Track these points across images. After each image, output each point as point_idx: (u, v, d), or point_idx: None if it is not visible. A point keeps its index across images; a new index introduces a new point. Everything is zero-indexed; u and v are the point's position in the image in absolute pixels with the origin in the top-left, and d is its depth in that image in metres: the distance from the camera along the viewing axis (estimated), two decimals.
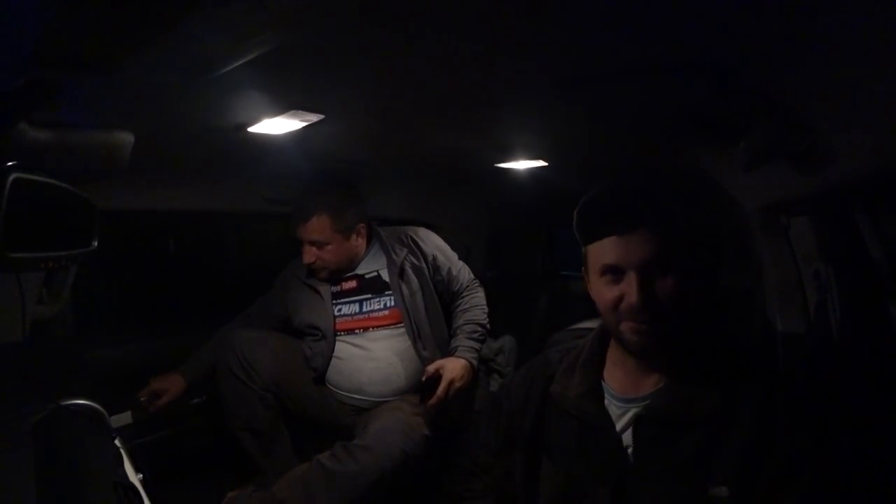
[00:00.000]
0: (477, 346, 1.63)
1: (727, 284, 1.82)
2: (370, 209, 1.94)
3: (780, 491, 0.72)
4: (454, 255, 1.77)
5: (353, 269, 1.66)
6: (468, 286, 1.74)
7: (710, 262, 0.81)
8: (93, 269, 1.58)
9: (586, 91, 0.89)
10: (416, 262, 1.66)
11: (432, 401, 1.47)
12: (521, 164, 1.67)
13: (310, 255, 1.57)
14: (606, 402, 0.85)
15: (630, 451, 0.80)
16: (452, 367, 1.52)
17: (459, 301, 1.72)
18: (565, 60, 0.77)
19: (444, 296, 1.72)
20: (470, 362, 1.56)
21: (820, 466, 0.73)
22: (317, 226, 1.54)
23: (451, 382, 1.49)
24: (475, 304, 1.71)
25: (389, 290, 1.62)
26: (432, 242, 1.74)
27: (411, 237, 1.70)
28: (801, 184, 1.06)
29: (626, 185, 0.80)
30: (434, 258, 1.69)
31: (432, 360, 1.56)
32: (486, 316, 1.71)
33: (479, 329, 1.66)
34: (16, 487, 0.69)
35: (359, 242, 1.64)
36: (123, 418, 1.59)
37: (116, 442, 0.91)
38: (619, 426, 0.82)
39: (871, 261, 1.12)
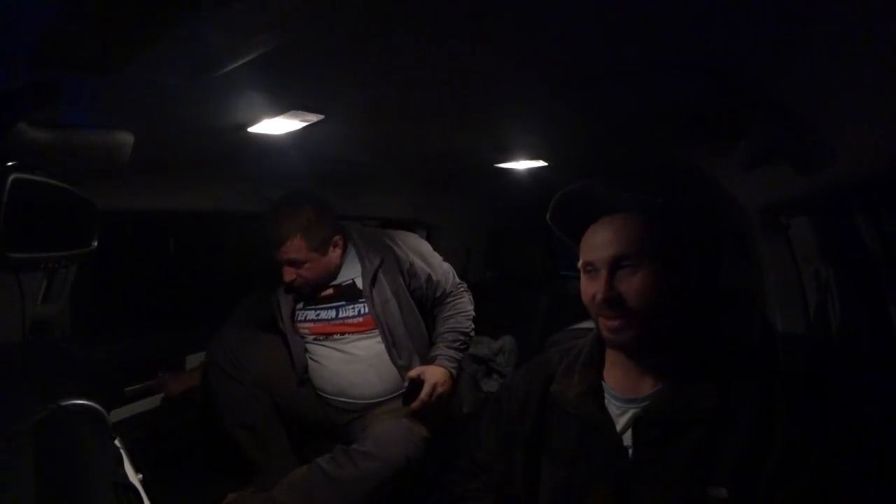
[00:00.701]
0: (457, 355, 1.58)
1: (727, 284, 1.82)
2: (370, 209, 1.94)
3: (779, 492, 0.72)
4: (436, 260, 1.70)
5: (334, 279, 1.62)
6: (452, 292, 1.67)
7: (690, 261, 0.81)
8: (93, 269, 1.58)
9: (586, 91, 0.89)
10: (390, 268, 1.61)
11: (415, 404, 1.45)
12: (521, 164, 1.67)
13: (289, 274, 1.54)
14: (606, 401, 0.86)
15: (630, 451, 0.80)
16: (434, 373, 1.50)
17: (442, 307, 1.67)
18: (565, 61, 0.77)
19: (425, 302, 1.67)
20: (449, 371, 1.53)
21: (819, 467, 0.73)
22: (292, 247, 1.50)
23: (434, 387, 1.47)
24: (458, 311, 1.65)
25: (363, 297, 1.59)
26: (410, 247, 1.67)
27: (387, 242, 1.65)
28: (801, 184, 1.06)
29: (594, 185, 0.83)
30: (411, 265, 1.63)
31: (408, 369, 1.54)
32: (469, 323, 1.65)
33: (461, 338, 1.61)
34: (16, 487, 0.69)
35: (336, 254, 1.60)
36: (123, 412, 1.60)
37: (116, 442, 0.91)
38: (618, 426, 0.83)
39: (871, 261, 1.12)
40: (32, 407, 0.85)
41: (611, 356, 0.88)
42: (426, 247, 1.72)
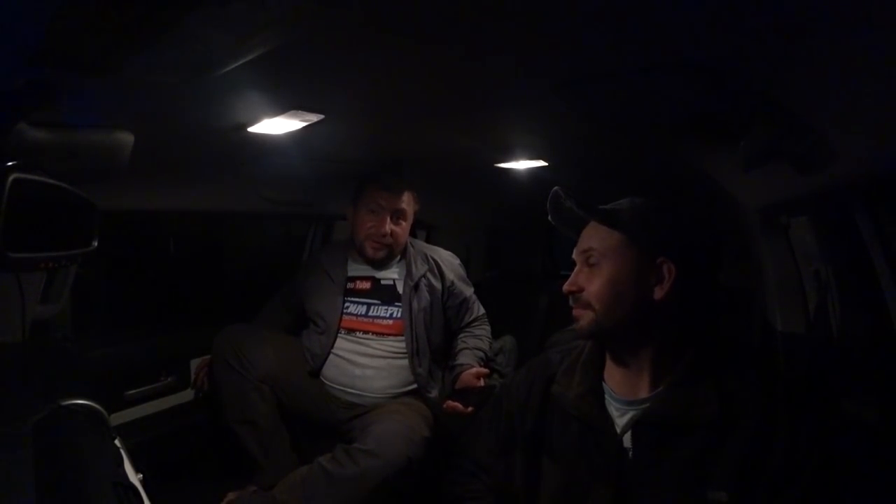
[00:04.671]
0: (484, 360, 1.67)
1: (727, 284, 1.82)
2: None
3: (780, 495, 0.72)
4: (471, 288, 1.79)
5: (394, 259, 1.69)
6: (478, 318, 1.78)
7: (658, 270, 0.82)
8: (93, 269, 1.58)
9: (586, 91, 0.89)
10: (433, 281, 1.68)
11: (466, 411, 1.49)
12: (521, 164, 1.67)
13: (388, 226, 1.61)
14: (606, 402, 0.86)
15: (630, 453, 0.80)
16: (470, 373, 1.57)
17: (469, 330, 1.75)
18: (564, 61, 0.77)
19: (453, 322, 1.74)
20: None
21: (820, 471, 0.73)
22: (408, 199, 1.65)
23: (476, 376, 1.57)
24: (483, 335, 1.75)
25: (399, 301, 1.64)
26: (454, 269, 1.76)
27: (434, 258, 1.73)
28: (801, 184, 1.06)
29: (565, 197, 0.87)
30: (452, 284, 1.71)
31: (425, 377, 1.60)
32: (489, 349, 1.75)
33: (482, 356, 1.69)
34: (16, 487, 0.69)
35: (408, 229, 1.70)
36: (123, 416, 1.60)
37: (116, 442, 0.91)
38: (619, 428, 0.83)
39: (871, 261, 1.12)
40: (32, 407, 0.85)
41: (611, 357, 0.88)
42: (464, 272, 1.81)
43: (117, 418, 1.55)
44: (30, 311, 1.13)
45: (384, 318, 1.64)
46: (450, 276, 1.72)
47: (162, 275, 2.41)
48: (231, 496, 1.47)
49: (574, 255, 0.89)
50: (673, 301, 0.81)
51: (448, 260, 1.78)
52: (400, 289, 1.66)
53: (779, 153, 0.96)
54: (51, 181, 0.74)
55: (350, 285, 1.68)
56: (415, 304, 1.63)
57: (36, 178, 0.72)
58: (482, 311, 1.81)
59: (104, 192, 1.00)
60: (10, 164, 0.69)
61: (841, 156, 0.88)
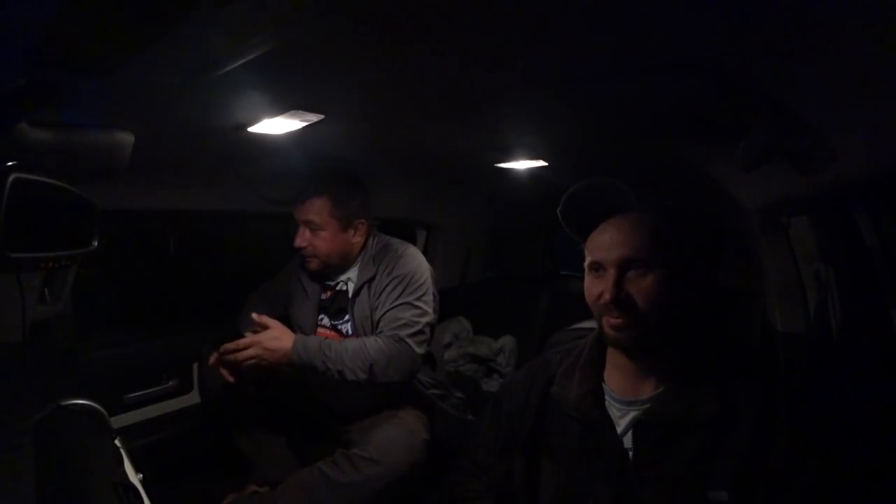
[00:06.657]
0: (319, 357, 1.36)
1: (727, 284, 1.82)
2: (370, 209, 1.92)
3: (781, 495, 0.72)
4: (408, 297, 1.46)
5: (345, 269, 1.56)
6: (384, 333, 1.42)
7: (698, 264, 0.81)
8: (93, 269, 1.58)
9: (586, 91, 0.89)
10: (378, 285, 1.50)
11: (223, 346, 1.35)
12: (521, 164, 1.67)
13: (303, 238, 1.49)
14: (607, 403, 0.85)
15: (631, 454, 0.80)
16: (271, 338, 1.35)
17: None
18: (564, 60, 0.77)
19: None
20: (294, 352, 1.35)
21: (820, 470, 0.73)
22: (314, 207, 1.46)
23: (257, 342, 1.34)
24: (366, 347, 1.38)
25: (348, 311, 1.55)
26: (403, 269, 1.49)
27: (389, 257, 1.53)
28: (801, 184, 1.06)
29: (609, 183, 0.82)
30: (385, 286, 1.48)
31: (388, 386, 1.41)
32: (355, 365, 1.36)
33: (335, 357, 1.36)
34: (16, 487, 0.69)
35: (356, 240, 1.52)
36: (123, 420, 1.60)
37: (116, 442, 0.91)
38: (619, 428, 0.82)
39: (871, 261, 1.12)
40: (32, 407, 0.85)
41: (611, 357, 0.88)
42: (418, 281, 1.49)
43: (118, 422, 1.55)
44: (30, 311, 1.13)
45: (344, 327, 1.56)
46: (388, 278, 1.48)
47: (161, 276, 2.41)
48: (231, 497, 1.47)
49: (602, 260, 0.80)
50: (696, 301, 0.80)
51: (405, 261, 1.51)
52: (350, 294, 1.55)
53: (779, 153, 0.96)
54: (51, 181, 0.74)
55: (323, 295, 1.60)
56: (357, 312, 1.50)
57: (36, 178, 0.72)
58: (398, 334, 1.40)
59: (104, 192, 1.00)
60: (10, 164, 0.69)
61: (841, 156, 0.88)
